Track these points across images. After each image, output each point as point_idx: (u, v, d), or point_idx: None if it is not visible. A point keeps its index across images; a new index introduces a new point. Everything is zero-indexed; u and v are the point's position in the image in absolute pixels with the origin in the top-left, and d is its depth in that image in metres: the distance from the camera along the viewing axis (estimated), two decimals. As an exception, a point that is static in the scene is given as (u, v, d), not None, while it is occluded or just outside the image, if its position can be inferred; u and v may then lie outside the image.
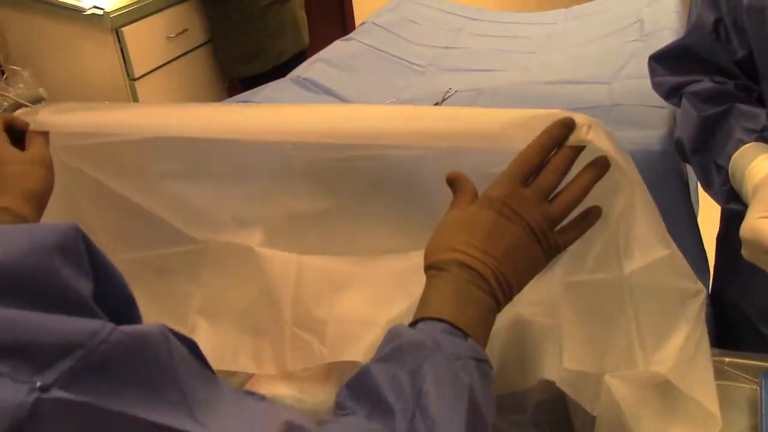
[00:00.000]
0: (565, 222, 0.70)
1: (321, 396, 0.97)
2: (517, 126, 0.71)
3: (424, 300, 0.67)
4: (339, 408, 0.58)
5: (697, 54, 1.00)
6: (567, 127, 0.69)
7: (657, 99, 1.09)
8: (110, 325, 0.38)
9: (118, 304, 0.44)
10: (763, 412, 0.79)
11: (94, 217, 0.92)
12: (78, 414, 0.35)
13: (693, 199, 1.42)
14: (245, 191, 0.88)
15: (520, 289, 0.68)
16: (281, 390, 0.99)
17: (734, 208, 0.90)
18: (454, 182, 0.73)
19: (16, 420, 0.33)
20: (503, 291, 0.67)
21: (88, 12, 2.71)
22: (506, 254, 0.67)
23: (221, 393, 0.47)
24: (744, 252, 0.79)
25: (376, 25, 2.03)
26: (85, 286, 0.41)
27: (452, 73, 1.74)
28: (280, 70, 2.01)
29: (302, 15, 3.26)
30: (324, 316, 0.85)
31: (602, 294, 0.74)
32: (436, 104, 1.50)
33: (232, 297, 0.90)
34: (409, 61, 1.82)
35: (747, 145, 0.88)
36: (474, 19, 2.23)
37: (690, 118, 0.98)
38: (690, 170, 1.25)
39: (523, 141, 0.68)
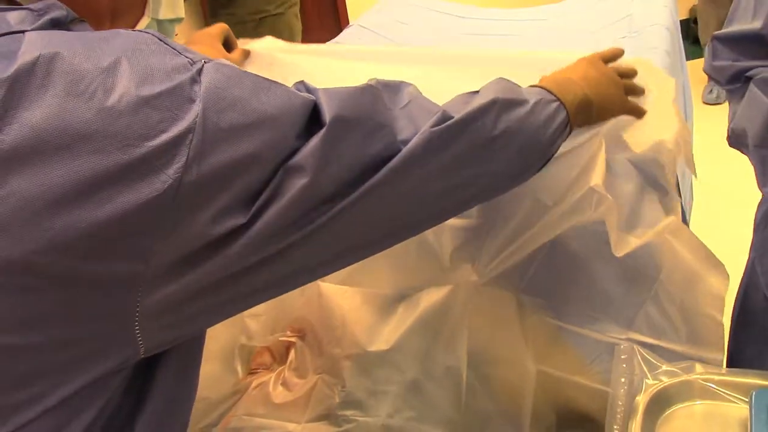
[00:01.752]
0: None
1: (301, 422, 0.95)
2: None
3: None
4: None
5: None
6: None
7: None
8: None
9: None
10: (753, 434, 0.76)
11: None
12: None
13: (686, 194, 1.39)
14: None
15: (605, 112, 0.98)
16: (261, 413, 0.98)
17: None
18: None
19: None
20: (593, 98, 0.95)
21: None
22: (595, 85, 0.96)
23: None
24: None
25: (363, 27, 1.99)
26: None
27: (440, 75, 1.71)
28: None
29: (298, 25, 3.28)
30: None
31: None
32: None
33: None
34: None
35: None
36: (463, 17, 2.19)
37: (759, 107, 0.91)
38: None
39: None
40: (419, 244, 0.95)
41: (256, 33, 3.05)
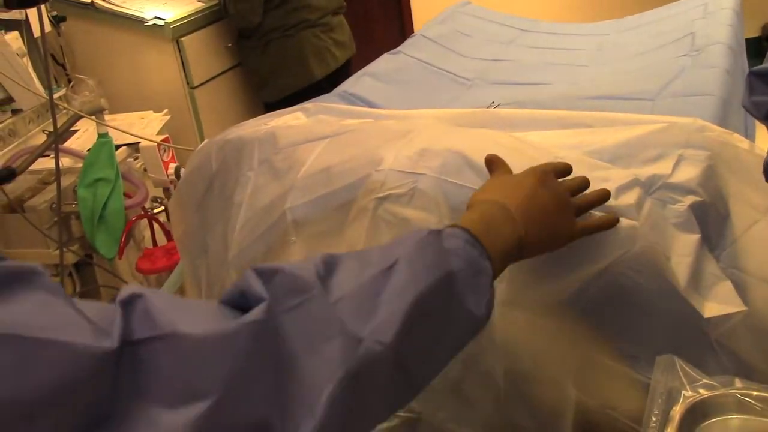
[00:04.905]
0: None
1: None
2: None
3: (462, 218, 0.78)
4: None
5: None
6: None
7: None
8: None
9: None
10: (788, 450, 0.77)
11: None
12: None
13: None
14: None
15: (539, 251, 0.83)
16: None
17: None
18: (492, 162, 0.91)
19: None
20: (528, 239, 0.79)
21: (150, 22, 2.80)
22: (538, 216, 0.81)
23: None
24: None
25: (425, 37, 2.03)
26: None
27: (498, 87, 1.74)
28: (293, 99, 2.00)
29: (324, 42, 3.15)
30: None
31: None
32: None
33: None
34: (455, 75, 1.82)
35: None
36: (526, 31, 2.21)
37: None
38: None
39: None
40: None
41: (264, 58, 3.04)
